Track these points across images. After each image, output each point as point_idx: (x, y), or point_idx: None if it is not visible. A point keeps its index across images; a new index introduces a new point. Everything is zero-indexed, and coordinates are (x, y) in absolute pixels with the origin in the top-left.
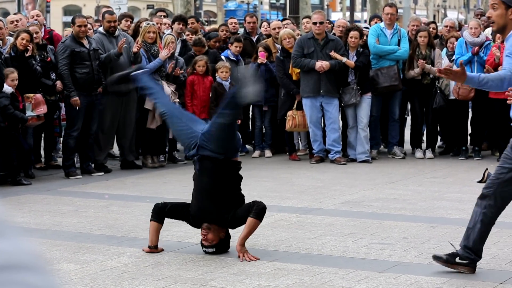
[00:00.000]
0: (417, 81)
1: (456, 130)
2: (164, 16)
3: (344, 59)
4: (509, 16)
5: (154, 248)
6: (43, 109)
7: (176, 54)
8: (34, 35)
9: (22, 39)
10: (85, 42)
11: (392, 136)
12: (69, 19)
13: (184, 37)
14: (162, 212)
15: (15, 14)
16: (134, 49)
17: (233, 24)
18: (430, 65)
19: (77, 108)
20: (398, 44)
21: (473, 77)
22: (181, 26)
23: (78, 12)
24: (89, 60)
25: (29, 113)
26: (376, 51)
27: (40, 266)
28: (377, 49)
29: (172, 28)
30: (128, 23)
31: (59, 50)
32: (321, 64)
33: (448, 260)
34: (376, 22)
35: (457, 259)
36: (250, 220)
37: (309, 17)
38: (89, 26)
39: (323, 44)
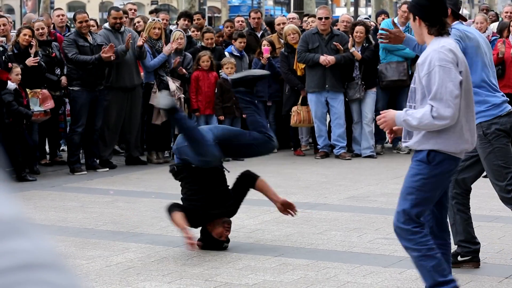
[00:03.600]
0: None
1: None
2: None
3: (352, 49)
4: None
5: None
6: (50, 104)
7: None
8: (40, 31)
9: (25, 35)
10: (89, 38)
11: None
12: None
13: (190, 33)
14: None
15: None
16: (139, 43)
17: (240, 23)
18: None
19: (112, 57)
20: None
21: (412, 39)
22: (186, 22)
23: (83, 9)
24: (91, 55)
25: (37, 108)
26: (386, 46)
27: (61, 264)
28: (387, 44)
29: (177, 24)
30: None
31: (65, 43)
32: (326, 58)
33: (451, 262)
34: (383, 18)
35: (459, 258)
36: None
37: (312, 15)
38: (92, 22)
39: (327, 39)
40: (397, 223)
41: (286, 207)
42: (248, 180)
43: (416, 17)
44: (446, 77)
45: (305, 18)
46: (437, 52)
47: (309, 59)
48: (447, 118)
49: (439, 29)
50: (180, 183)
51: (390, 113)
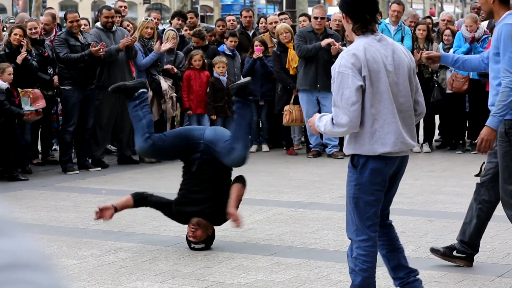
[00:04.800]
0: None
1: (453, 123)
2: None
3: (344, 49)
4: (490, 2)
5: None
6: (41, 104)
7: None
8: (33, 30)
9: (15, 34)
10: (80, 37)
11: None
12: None
13: (182, 32)
14: (143, 200)
15: None
16: (128, 43)
17: (231, 22)
18: None
19: (101, 50)
20: (401, 42)
21: (446, 56)
22: (180, 22)
23: (75, 8)
24: None
25: (27, 107)
26: None
27: (44, 264)
28: None
29: (171, 23)
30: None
31: (56, 43)
32: (327, 40)
33: (446, 253)
34: None
35: (454, 253)
36: (236, 185)
37: (305, 14)
38: (84, 21)
39: (322, 38)
40: (347, 232)
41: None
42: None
43: (344, 14)
44: (344, 83)
45: (281, 17)
46: (340, 58)
47: (311, 49)
48: (344, 125)
49: (361, 27)
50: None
51: (313, 118)
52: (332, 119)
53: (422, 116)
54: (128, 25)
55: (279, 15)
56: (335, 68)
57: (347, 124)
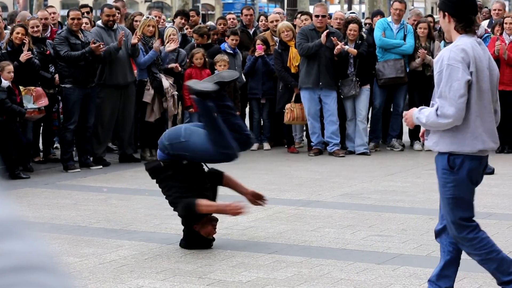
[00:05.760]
0: (419, 73)
1: None
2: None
3: (346, 47)
4: None
5: None
6: (44, 102)
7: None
8: (35, 29)
9: (17, 33)
10: (80, 35)
11: (393, 129)
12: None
13: (185, 31)
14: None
15: None
16: (133, 41)
17: (231, 20)
18: (430, 57)
19: (101, 46)
20: (404, 40)
21: None
22: (183, 20)
23: (76, 6)
24: None
25: (30, 105)
26: (382, 44)
27: (55, 266)
28: (383, 42)
29: (173, 22)
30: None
31: (57, 41)
32: (325, 33)
33: None
34: (379, 19)
35: None
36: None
37: (306, 13)
38: (86, 20)
39: None
40: (453, 234)
41: (256, 198)
42: (215, 178)
43: (446, 13)
44: (453, 76)
45: (302, 17)
46: (449, 51)
47: (312, 46)
48: (450, 116)
49: (464, 26)
50: (159, 183)
51: (410, 111)
52: (437, 110)
53: (496, 125)
54: (139, 20)
55: (299, 14)
56: (442, 61)
57: (453, 115)
